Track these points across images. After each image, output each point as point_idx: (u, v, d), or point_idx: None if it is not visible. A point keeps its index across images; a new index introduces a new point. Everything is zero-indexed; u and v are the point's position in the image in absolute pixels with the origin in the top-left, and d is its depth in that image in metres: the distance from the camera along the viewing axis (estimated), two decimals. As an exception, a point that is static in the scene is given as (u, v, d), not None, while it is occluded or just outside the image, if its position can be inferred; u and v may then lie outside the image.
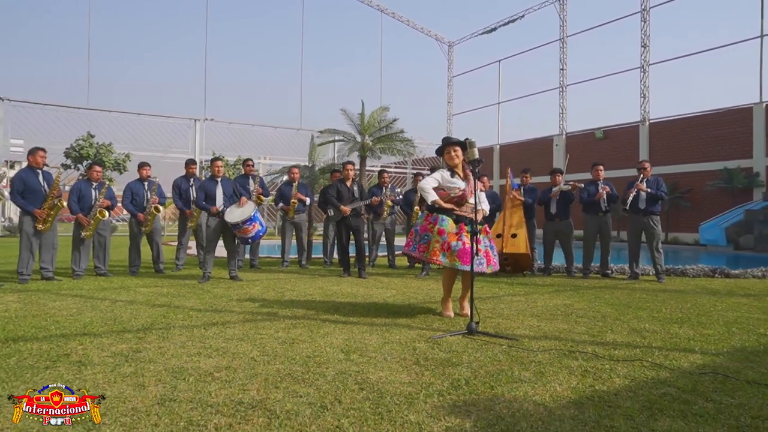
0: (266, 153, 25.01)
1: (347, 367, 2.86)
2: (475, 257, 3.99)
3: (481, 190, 4.40)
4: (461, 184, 4.30)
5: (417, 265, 8.43)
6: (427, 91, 45.88)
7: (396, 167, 25.12)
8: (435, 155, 4.62)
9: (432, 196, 4.27)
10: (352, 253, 7.60)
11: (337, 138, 11.88)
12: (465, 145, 4.18)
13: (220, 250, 7.81)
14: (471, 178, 4.27)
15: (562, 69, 22.74)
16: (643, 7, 19.70)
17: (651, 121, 19.32)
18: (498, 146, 25.43)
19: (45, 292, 5.54)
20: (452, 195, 4.29)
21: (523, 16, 24.38)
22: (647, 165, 7.18)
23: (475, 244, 3.94)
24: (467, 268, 4.02)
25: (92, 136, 18.28)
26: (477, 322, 3.74)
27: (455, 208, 4.25)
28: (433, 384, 2.59)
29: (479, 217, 4.18)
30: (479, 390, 2.51)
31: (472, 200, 4.25)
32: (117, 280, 6.61)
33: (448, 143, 4.40)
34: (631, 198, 7.03)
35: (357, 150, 10.96)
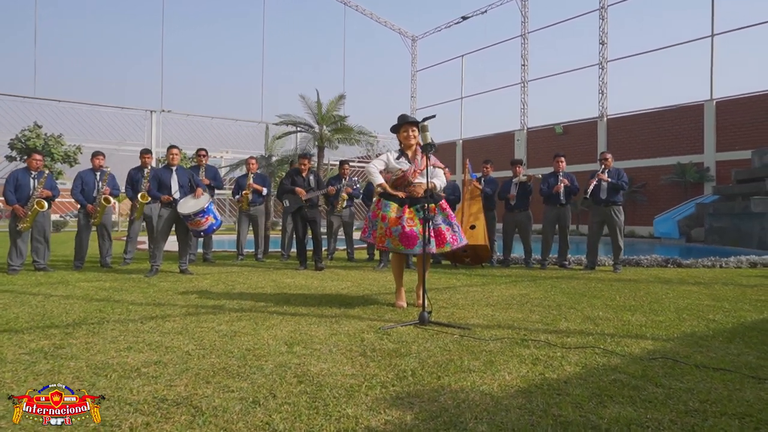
0: (227, 147, 24.47)
1: (288, 360, 2.68)
2: (420, 239, 3.88)
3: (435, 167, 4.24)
4: (405, 166, 4.16)
5: (376, 257, 8.30)
6: (390, 86, 45.85)
7: (359, 161, 24.93)
8: (391, 131, 4.39)
9: (377, 179, 4.12)
10: (309, 246, 7.40)
11: (298, 129, 11.62)
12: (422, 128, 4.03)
13: (173, 245, 7.48)
14: (417, 160, 4.14)
15: (524, 65, 22.99)
16: (601, 5, 20.07)
17: (609, 117, 19.73)
18: (461, 141, 25.55)
19: (-28, 287, 5.14)
20: (393, 177, 4.16)
21: (485, 11, 24.54)
22: (608, 156, 7.23)
23: (427, 226, 3.81)
24: (411, 251, 3.95)
25: (39, 127, 17.41)
26: (429, 312, 3.61)
27: (401, 193, 4.11)
28: (377, 375, 2.45)
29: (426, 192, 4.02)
30: (425, 381, 2.39)
31: (417, 180, 4.10)
32: (56, 275, 6.22)
33: (404, 122, 4.24)
34: (591, 188, 7.06)
35: (315, 140, 10.75)
